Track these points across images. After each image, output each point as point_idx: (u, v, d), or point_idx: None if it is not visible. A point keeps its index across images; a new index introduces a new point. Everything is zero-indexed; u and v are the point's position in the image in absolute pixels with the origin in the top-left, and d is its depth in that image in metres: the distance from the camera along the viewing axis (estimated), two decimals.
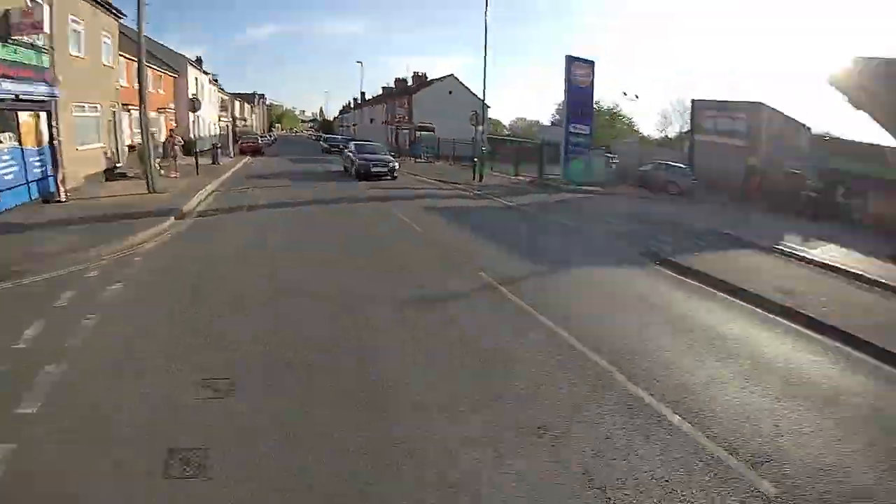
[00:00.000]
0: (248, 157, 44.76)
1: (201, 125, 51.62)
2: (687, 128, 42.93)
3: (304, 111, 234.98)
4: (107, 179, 23.06)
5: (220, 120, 66.41)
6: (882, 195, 22.49)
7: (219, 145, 37.96)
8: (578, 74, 29.12)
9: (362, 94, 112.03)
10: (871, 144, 24.10)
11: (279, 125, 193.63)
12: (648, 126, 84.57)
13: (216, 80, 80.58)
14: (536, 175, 31.28)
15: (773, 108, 26.71)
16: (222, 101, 70.43)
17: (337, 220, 17.30)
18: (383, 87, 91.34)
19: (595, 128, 31.45)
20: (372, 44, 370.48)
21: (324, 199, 21.28)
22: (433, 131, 46.88)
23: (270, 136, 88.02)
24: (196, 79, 50.91)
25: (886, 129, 17.17)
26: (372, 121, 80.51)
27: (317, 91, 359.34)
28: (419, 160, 46.59)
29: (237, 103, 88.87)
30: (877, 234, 19.04)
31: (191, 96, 34.35)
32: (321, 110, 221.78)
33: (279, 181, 27.49)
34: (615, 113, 70.95)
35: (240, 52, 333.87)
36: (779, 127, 26.47)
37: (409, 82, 75.45)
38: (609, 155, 32.56)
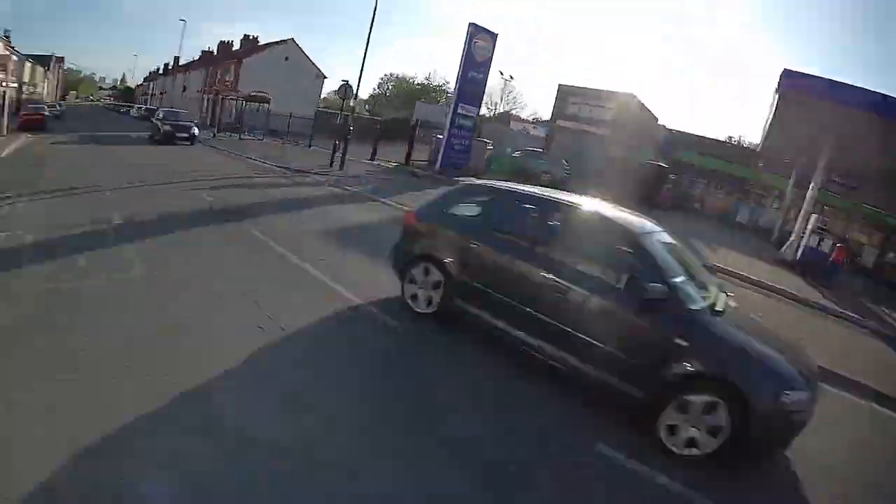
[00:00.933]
0: (28, 135, 31.95)
1: None
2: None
3: (103, 78, 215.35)
4: None
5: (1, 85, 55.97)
6: (719, 188, 24.80)
7: None
8: (479, 46, 26.14)
9: (176, 59, 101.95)
10: (718, 141, 25.65)
11: (75, 92, 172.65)
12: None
13: (7, 37, 68.12)
14: (403, 160, 29.25)
15: (638, 100, 27.48)
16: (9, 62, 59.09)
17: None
18: (203, 52, 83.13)
19: None
20: (198, 5, 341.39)
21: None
22: (268, 102, 42.43)
23: (60, 105, 75.42)
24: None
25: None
26: (185, 89, 72.40)
27: (125, 56, 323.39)
28: (246, 136, 40.50)
29: (28, 65, 75.90)
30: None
31: None
32: (123, 77, 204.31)
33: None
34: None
35: (43, 6, 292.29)
36: (640, 118, 27.31)
37: (238, 46, 68.86)
38: (485, 140, 31.35)
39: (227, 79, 57.24)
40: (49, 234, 9.30)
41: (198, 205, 13.73)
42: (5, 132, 31.91)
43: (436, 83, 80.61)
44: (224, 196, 15.26)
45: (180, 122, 32.47)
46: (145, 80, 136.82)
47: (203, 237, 10.62)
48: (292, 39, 59.13)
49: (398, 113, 61.91)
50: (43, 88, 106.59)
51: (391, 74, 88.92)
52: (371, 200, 17.86)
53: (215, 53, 76.28)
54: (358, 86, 26.43)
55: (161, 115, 34.84)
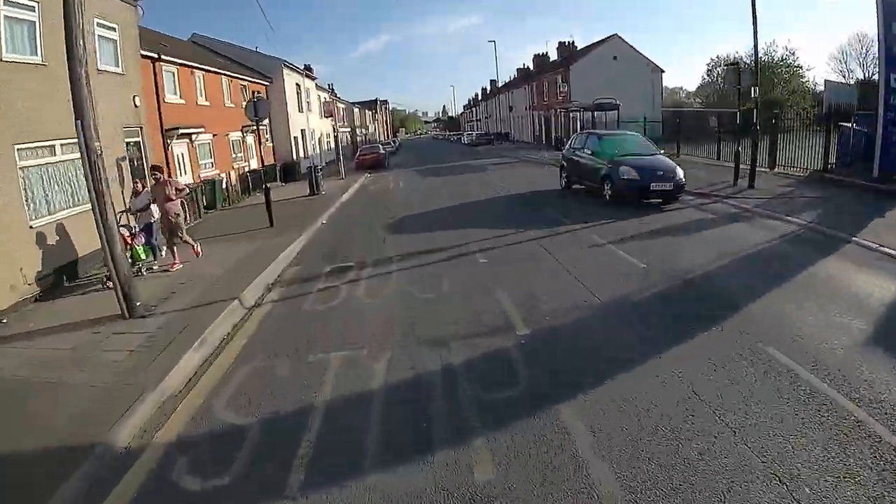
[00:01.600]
0: (367, 175, 33.85)
1: (306, 142, 41.35)
2: None
3: (426, 112, 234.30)
4: (51, 295, 10.22)
5: (335, 131, 56.51)
6: None
7: (321, 167, 26.73)
8: None
9: (492, 82, 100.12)
10: None
11: (403, 129, 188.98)
12: None
13: (331, 89, 71.57)
14: (818, 166, 17.14)
15: None
16: (336, 109, 60.94)
17: None
18: (518, 69, 78.27)
19: None
20: (488, 36, 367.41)
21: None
22: (617, 108, 32.63)
23: (394, 142, 77.87)
24: (298, 85, 40.51)
25: None
26: (512, 109, 67.25)
27: (436, 92, 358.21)
28: None
29: (356, 111, 79.24)
30: None
31: (255, 97, 22.92)
32: (443, 109, 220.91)
33: (415, 241, 12.61)
34: None
35: (357, 67, 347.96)
36: None
37: (554, 56, 61.68)
38: None
39: (558, 90, 49.13)
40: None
41: (622, 269, 9.02)
42: (343, 175, 31.27)
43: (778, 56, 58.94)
44: (639, 251, 9.98)
45: (648, 160, 16.56)
46: (465, 107, 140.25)
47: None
48: (616, 36, 48.54)
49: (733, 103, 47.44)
50: (375, 129, 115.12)
51: (719, 58, 70.59)
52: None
53: (531, 68, 70.44)
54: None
55: (587, 144, 23.16)
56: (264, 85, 34.66)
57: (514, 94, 66.15)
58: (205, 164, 24.45)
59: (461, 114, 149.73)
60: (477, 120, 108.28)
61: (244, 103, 20.97)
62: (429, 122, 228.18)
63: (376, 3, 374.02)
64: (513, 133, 66.17)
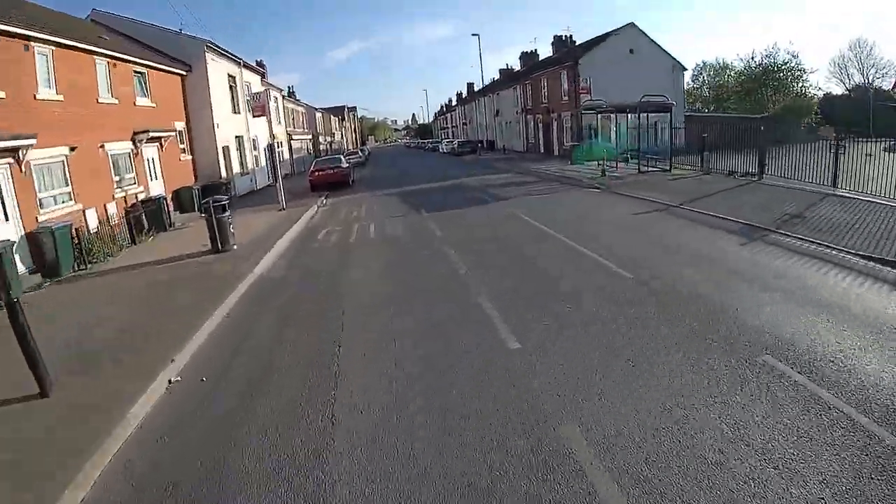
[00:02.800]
0: (322, 200, 24.51)
1: (244, 153, 31.51)
2: None
3: (395, 121, 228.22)
4: None
5: (290, 140, 46.92)
6: None
7: (226, 198, 16.15)
8: None
9: (469, 85, 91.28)
10: None
11: (372, 137, 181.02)
12: None
13: (293, 94, 62.03)
14: None
15: None
16: (294, 113, 51.30)
17: None
18: (502, 70, 69.63)
19: None
20: (457, 46, 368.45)
21: None
22: (670, 110, 23.77)
23: (363, 151, 68.35)
24: (232, 77, 30.43)
25: None
26: (498, 113, 58.26)
27: (405, 101, 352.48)
28: (649, 168, 23.40)
29: (319, 116, 69.54)
30: None
31: None
32: (413, 117, 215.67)
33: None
34: None
35: (324, 75, 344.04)
36: None
37: (545, 54, 53.55)
38: None
39: (563, 90, 40.23)
40: None
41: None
42: (284, 203, 22.05)
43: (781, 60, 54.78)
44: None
45: None
46: (438, 114, 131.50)
47: None
48: (633, 25, 39.78)
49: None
50: (342, 137, 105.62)
51: (704, 63, 64.48)
52: None
53: (516, 69, 61.99)
54: None
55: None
56: (178, 74, 25.08)
57: (499, 97, 57.29)
58: (51, 198, 14.83)
59: (433, 121, 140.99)
60: (453, 126, 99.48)
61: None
62: (398, 130, 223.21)
63: (344, 13, 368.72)
64: (499, 141, 57.26)
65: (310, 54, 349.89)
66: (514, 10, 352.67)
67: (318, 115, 68.70)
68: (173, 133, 23.36)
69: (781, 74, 53.80)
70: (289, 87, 66.27)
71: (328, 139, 76.97)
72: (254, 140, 32.74)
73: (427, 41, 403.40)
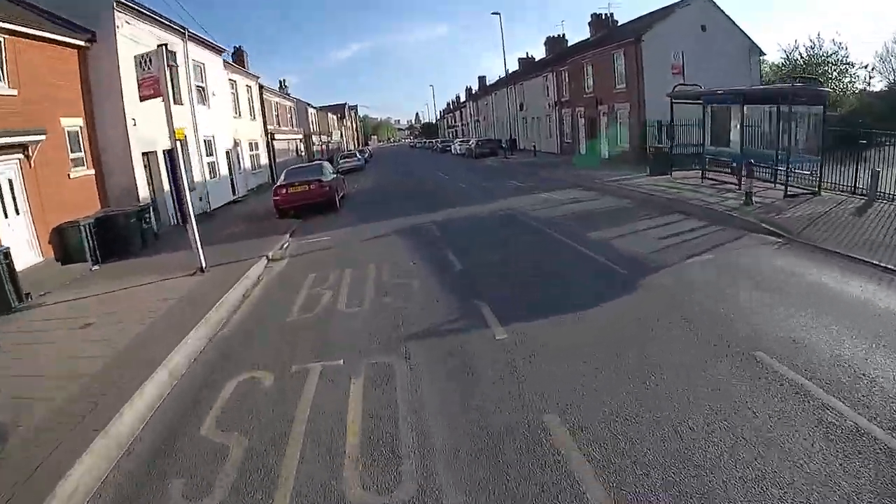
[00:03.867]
0: (284, 244, 14.90)
1: (191, 159, 21.88)
2: None
3: (398, 120, 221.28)
4: None
5: (272, 140, 38.06)
6: None
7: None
8: None
9: (480, 79, 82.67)
10: None
11: (375, 137, 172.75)
12: None
13: (283, 88, 53.28)
14: None
15: None
16: (279, 108, 42.31)
17: None
18: (521, 60, 60.68)
19: None
20: (458, 46, 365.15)
21: None
22: (824, 102, 15.04)
23: (362, 153, 58.66)
24: (168, 50, 21.34)
25: None
26: (523, 107, 49.22)
27: (408, 100, 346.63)
28: (789, 187, 14.02)
29: (312, 113, 60.57)
30: None
31: None
32: (416, 116, 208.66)
33: None
34: None
35: (326, 76, 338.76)
36: None
37: (576, 39, 44.54)
38: None
39: (617, 76, 31.10)
40: None
41: None
42: (202, 261, 11.75)
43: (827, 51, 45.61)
44: None
45: None
46: (444, 113, 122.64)
47: None
48: None
49: None
50: (342, 137, 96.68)
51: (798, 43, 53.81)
52: None
53: (542, 58, 53.12)
54: None
55: None
56: (70, 44, 16.14)
57: (524, 89, 48.29)
58: None
59: (439, 119, 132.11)
60: (462, 124, 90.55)
61: None
62: (402, 130, 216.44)
63: (345, 13, 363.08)
64: (522, 140, 48.32)
65: (310, 55, 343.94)
66: (514, 10, 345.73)
67: (312, 111, 59.69)
68: (55, 135, 14.44)
69: (827, 68, 45.00)
70: (280, 82, 57.82)
71: (324, 139, 68.11)
72: (208, 141, 23.83)
73: (427, 40, 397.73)
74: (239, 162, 28.99)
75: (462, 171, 33.49)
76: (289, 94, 52.15)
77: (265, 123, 37.41)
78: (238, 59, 36.34)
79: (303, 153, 50.93)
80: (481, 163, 39.31)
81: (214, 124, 24.22)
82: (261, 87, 36.49)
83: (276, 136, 39.16)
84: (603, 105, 32.92)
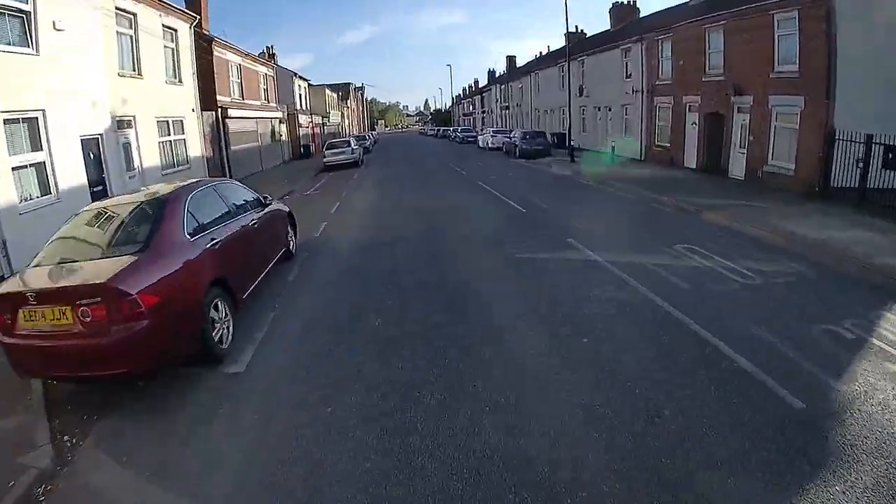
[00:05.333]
0: None
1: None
2: None
3: (406, 106, 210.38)
4: None
5: (223, 118, 25.28)
6: None
7: None
8: None
9: (510, 59, 69.56)
10: None
11: (382, 122, 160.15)
12: None
13: (268, 55, 41.13)
14: None
15: None
16: (245, 73, 28.99)
17: None
18: (570, 34, 47.49)
19: None
20: (470, 35, 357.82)
21: None
22: None
23: (361, 141, 43.02)
24: None
25: None
26: (583, 92, 35.78)
27: (418, 86, 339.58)
28: None
29: (302, 86, 47.58)
30: None
31: None
32: (426, 103, 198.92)
33: None
34: None
35: (336, 58, 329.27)
36: None
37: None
38: None
39: (774, 48, 18.28)
40: None
41: None
42: None
43: None
44: None
45: None
46: (460, 99, 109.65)
47: None
48: None
49: None
50: (343, 120, 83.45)
51: None
52: None
53: (600, 31, 40.25)
54: None
55: None
56: None
57: (586, 69, 35.27)
58: None
59: (453, 106, 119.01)
60: (483, 112, 77.61)
61: None
62: (410, 116, 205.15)
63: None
64: (576, 136, 35.39)
65: (321, 36, 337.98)
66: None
67: (301, 84, 46.68)
68: None
69: None
70: (267, 48, 45.10)
71: (318, 121, 55.16)
72: (15, 121, 11.16)
73: (439, 28, 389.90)
74: (126, 155, 16.32)
75: (524, 184, 20.76)
76: (267, 60, 39.35)
77: (214, 92, 24.69)
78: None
79: (282, 137, 38.14)
80: (534, 168, 26.72)
81: (46, 86, 11.64)
82: (200, 34, 23.63)
83: (232, 113, 26.38)
84: (744, 96, 20.22)
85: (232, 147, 26.19)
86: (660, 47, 27.04)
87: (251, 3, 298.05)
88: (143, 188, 8.87)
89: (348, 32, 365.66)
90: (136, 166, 16.72)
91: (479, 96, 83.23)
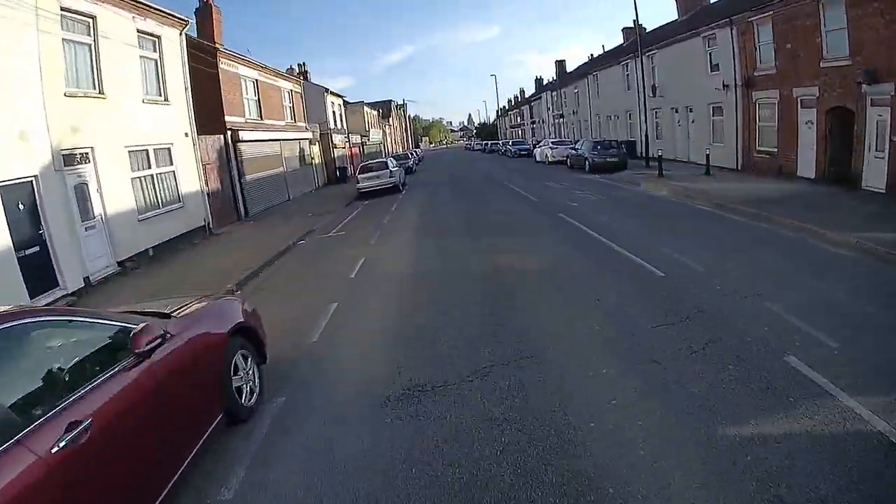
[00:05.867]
0: None
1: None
2: None
3: (450, 122, 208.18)
4: None
5: (235, 143, 21.47)
6: None
7: None
8: None
9: (559, 64, 64.57)
10: None
11: (427, 138, 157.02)
12: None
13: (300, 72, 38.08)
14: None
15: None
16: (263, 88, 24.94)
17: None
18: (626, 29, 42.30)
19: None
20: (508, 48, 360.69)
21: None
22: None
23: (402, 161, 40.04)
24: None
25: None
26: (655, 91, 30.17)
27: (459, 102, 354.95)
28: None
29: (333, 104, 43.92)
30: None
31: None
32: (469, 117, 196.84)
33: None
34: None
35: (380, 77, 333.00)
36: None
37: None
38: None
39: None
40: None
41: None
42: None
43: None
44: None
45: None
46: (504, 111, 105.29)
47: None
48: None
49: None
50: (385, 138, 79.76)
51: None
52: None
53: (659, 26, 35.18)
54: None
55: None
56: None
57: (656, 64, 30.17)
58: None
59: (498, 118, 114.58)
60: (532, 123, 72.90)
61: None
62: (454, 131, 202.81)
63: (394, 16, 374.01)
64: (643, 143, 30.18)
65: (361, 60, 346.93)
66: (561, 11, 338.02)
67: (334, 102, 42.98)
68: None
69: None
70: (299, 65, 41.93)
71: (357, 140, 51.47)
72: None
73: (475, 44, 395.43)
74: (82, 200, 12.39)
75: (621, 214, 15.10)
76: (290, 75, 35.79)
77: (222, 112, 20.89)
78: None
79: (314, 161, 34.36)
80: (620, 186, 21.73)
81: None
82: (202, 45, 19.90)
83: (245, 136, 22.53)
84: (881, 84, 15.10)
85: (247, 176, 22.31)
86: (755, 30, 22.02)
87: (286, 34, 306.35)
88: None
89: (386, 55, 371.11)
90: (97, 214, 12.75)
91: (526, 106, 78.51)
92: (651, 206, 16.43)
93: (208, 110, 20.50)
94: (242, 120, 22.92)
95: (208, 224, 18.04)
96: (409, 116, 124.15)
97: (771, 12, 20.71)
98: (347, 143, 45.67)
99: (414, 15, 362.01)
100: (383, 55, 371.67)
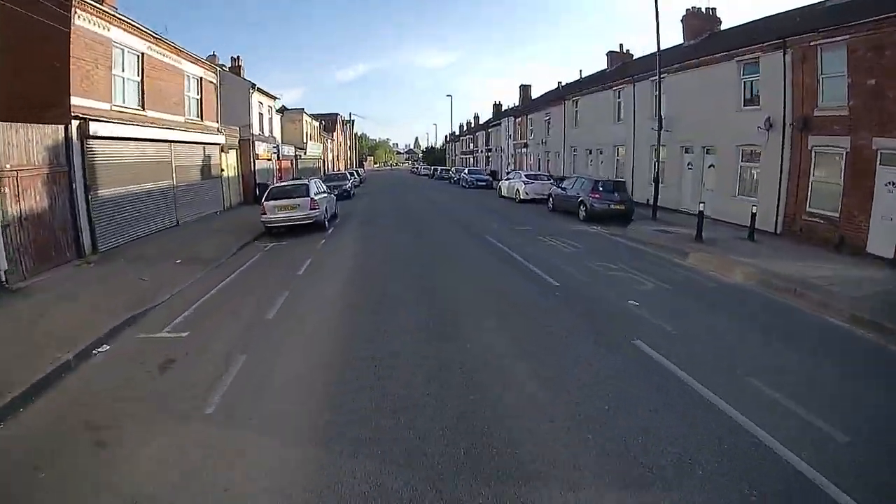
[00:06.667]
0: None
1: None
2: None
3: (395, 143, 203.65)
4: None
5: (70, 145, 14.06)
6: None
7: None
8: None
9: (523, 87, 59.25)
10: None
11: (371, 158, 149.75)
12: None
13: (234, 68, 31.36)
14: None
15: None
16: (144, 65, 17.19)
17: None
18: (612, 53, 36.89)
19: None
20: (459, 75, 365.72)
21: None
22: None
23: (347, 179, 37.28)
24: None
25: None
26: (663, 124, 23.03)
27: (408, 125, 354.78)
28: None
29: (261, 104, 36.39)
30: None
31: None
32: (416, 141, 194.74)
33: None
34: None
35: (331, 90, 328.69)
36: None
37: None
38: None
39: None
40: None
41: None
42: None
43: None
44: None
45: None
46: (454, 137, 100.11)
47: None
48: None
49: None
50: (327, 153, 72.15)
51: None
52: None
53: (661, 50, 30.08)
54: None
55: None
56: None
57: (667, 93, 24.20)
58: None
59: (447, 143, 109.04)
60: (486, 151, 67.36)
61: None
62: (400, 153, 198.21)
63: (351, 35, 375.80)
64: (634, 184, 24.51)
65: (314, 72, 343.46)
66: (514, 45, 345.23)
67: (261, 101, 35.48)
68: None
69: None
70: (234, 59, 35.07)
71: (292, 152, 44.11)
72: None
73: (428, 70, 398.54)
74: None
75: (682, 316, 8.98)
76: (180, 48, 28.72)
77: (67, 91, 13.67)
78: None
79: (223, 173, 27.01)
80: (640, 249, 15.27)
81: None
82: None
83: (102, 131, 15.06)
84: None
85: (101, 190, 15.01)
86: (818, 57, 16.63)
87: (241, 42, 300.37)
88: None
89: (341, 70, 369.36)
90: None
91: (482, 132, 72.93)
92: (714, 299, 10.29)
93: (40, 85, 13.39)
94: (107, 106, 15.67)
95: (2, 272, 10.84)
96: (356, 134, 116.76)
97: (847, 36, 15.41)
98: (276, 155, 38.32)
99: (372, 37, 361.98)
100: (338, 69, 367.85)
